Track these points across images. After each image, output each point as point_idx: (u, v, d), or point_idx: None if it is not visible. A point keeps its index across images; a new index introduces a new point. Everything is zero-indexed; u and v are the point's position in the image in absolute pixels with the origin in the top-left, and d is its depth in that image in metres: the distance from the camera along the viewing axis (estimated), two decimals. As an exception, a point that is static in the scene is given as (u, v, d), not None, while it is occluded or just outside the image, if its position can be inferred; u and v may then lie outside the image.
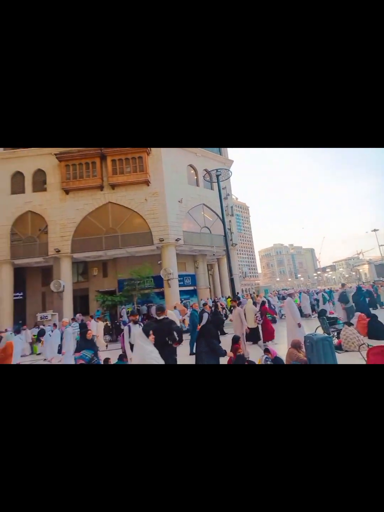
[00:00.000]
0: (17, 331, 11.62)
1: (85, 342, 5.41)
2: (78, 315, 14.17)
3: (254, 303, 9.40)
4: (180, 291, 15.19)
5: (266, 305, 9.02)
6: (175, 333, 3.77)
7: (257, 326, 7.99)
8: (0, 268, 14.41)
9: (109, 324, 15.14)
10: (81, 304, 16.50)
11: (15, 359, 9.65)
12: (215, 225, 16.75)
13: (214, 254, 16.58)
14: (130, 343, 5.41)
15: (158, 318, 4.05)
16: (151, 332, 3.27)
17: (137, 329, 4.56)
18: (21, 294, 16.37)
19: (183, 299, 15.88)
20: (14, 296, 15.03)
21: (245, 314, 7.05)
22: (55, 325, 11.13)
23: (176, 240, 14.61)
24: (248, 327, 6.67)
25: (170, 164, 15.39)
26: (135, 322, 5.66)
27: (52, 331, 10.02)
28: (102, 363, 5.04)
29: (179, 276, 15.55)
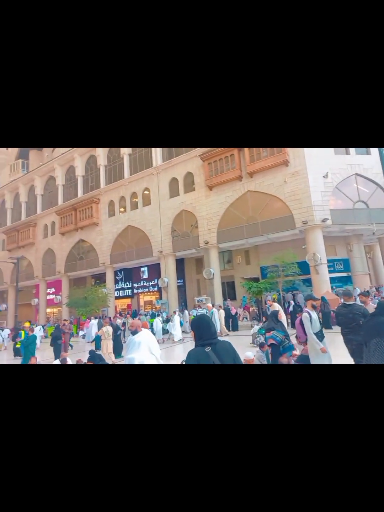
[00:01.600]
0: (181, 311, 14.10)
1: (275, 323, 5.13)
2: (227, 301, 15.47)
3: None
4: (330, 278, 13.54)
5: None
6: (360, 320, 3.85)
7: None
8: (167, 259, 17.77)
9: (255, 310, 15.69)
10: (228, 290, 17.87)
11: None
12: (375, 197, 13.64)
13: (373, 233, 13.56)
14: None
15: (346, 303, 4.34)
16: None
17: (314, 315, 4.37)
18: (181, 281, 19.58)
19: (334, 287, 14.05)
20: (177, 283, 18.23)
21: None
22: (212, 305, 12.59)
23: (322, 221, 13.05)
24: None
25: (312, 137, 13.81)
26: (314, 308, 5.14)
27: (207, 312, 11.49)
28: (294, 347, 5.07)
29: (329, 261, 13.85)
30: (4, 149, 40.43)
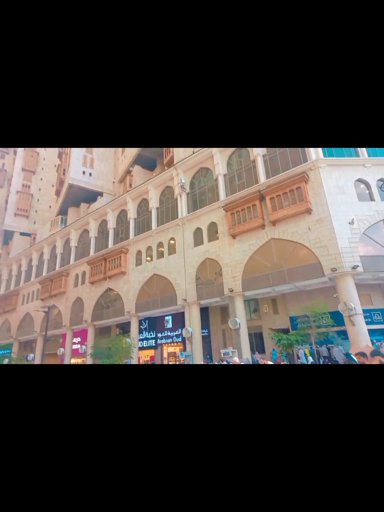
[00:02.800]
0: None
1: None
2: (256, 354, 14.45)
3: None
4: (369, 330, 12.33)
5: None
6: None
7: None
8: (191, 308, 17.50)
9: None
10: (256, 341, 16.79)
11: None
12: (410, 242, 12.95)
13: (415, 281, 12.57)
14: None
15: None
16: None
17: None
18: (206, 331, 18.88)
19: (374, 340, 12.69)
20: (202, 332, 17.59)
21: None
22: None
23: (353, 268, 12.43)
24: None
25: (334, 185, 13.99)
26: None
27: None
28: None
29: (365, 311, 12.78)
30: (48, 207, 45.16)
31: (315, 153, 14.40)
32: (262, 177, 16.11)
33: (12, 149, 52.84)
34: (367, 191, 14.27)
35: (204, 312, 18.63)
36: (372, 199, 13.94)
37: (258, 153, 16.39)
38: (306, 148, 14.70)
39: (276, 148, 16.13)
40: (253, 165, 16.85)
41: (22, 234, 42.62)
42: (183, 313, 18.37)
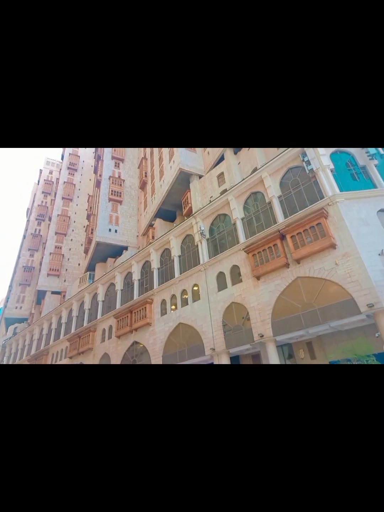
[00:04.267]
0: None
1: None
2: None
3: None
4: None
5: None
6: None
7: None
8: (221, 358, 16.46)
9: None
10: (296, 393, 15.06)
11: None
12: None
13: None
14: None
15: None
16: None
17: None
18: (240, 382, 17.38)
19: None
20: (234, 384, 16.18)
21: None
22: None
23: (393, 301, 11.36)
24: None
25: (355, 218, 13.68)
26: None
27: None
28: None
29: (417, 350, 11.28)
30: (77, 265, 47.74)
31: (330, 188, 14.48)
32: (279, 217, 16.21)
33: (47, 215, 58.56)
34: (393, 220, 13.73)
35: (235, 361, 17.40)
36: (399, 227, 13.32)
37: (273, 195, 16.77)
38: (321, 185, 14.87)
39: (291, 188, 16.47)
40: (269, 207, 17.13)
41: (53, 292, 44.63)
42: (212, 364, 17.25)
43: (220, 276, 18.28)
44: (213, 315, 17.52)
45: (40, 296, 45.83)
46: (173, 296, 20.81)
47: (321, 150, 15.37)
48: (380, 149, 15.39)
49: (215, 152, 26.51)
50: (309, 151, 15.64)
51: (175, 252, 21.86)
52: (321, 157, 15.20)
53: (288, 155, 16.63)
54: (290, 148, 16.53)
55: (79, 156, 58.55)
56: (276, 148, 21.08)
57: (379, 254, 12.45)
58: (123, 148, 43.04)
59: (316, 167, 15.17)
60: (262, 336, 14.79)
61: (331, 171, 15.08)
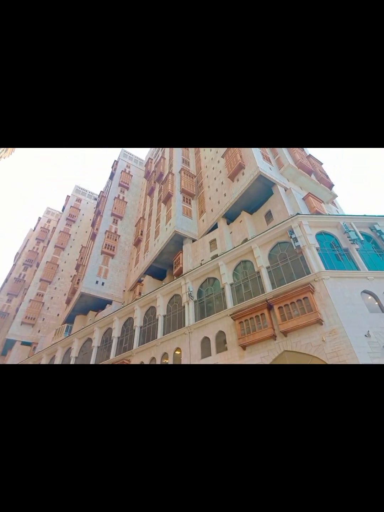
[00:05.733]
0: None
1: None
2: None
3: None
4: None
5: None
6: None
7: None
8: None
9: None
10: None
11: None
12: None
13: None
14: None
15: None
16: None
17: None
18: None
19: None
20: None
21: None
22: None
23: (382, 386, 10.95)
24: None
25: (340, 296, 14.09)
26: None
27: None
28: None
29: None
30: (56, 315, 45.44)
31: (316, 265, 15.22)
32: (268, 287, 16.53)
33: (35, 261, 57.90)
34: (376, 303, 14.18)
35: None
36: (383, 311, 13.69)
37: (262, 265, 17.41)
38: (308, 261, 15.65)
39: (279, 261, 17.24)
40: (258, 276, 17.61)
41: (23, 343, 41.24)
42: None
43: (205, 341, 17.59)
44: (194, 384, 16.25)
45: (7, 346, 42.14)
46: (153, 359, 19.52)
47: (308, 230, 16.64)
48: (360, 234, 16.79)
49: (210, 219, 28.30)
50: (296, 228, 16.90)
51: (161, 311, 21.35)
52: (308, 236, 16.37)
53: (277, 231, 17.87)
54: (278, 225, 17.87)
55: (79, 210, 61.12)
56: (265, 224, 22.76)
57: (366, 335, 12.47)
58: (123, 207, 45.52)
59: (303, 244, 16.20)
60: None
61: (317, 249, 16.08)
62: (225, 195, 27.35)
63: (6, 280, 56.16)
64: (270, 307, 15.52)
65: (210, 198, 30.31)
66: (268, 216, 23.21)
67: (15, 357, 38.62)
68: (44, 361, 28.31)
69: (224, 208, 26.50)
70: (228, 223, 26.44)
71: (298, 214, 17.77)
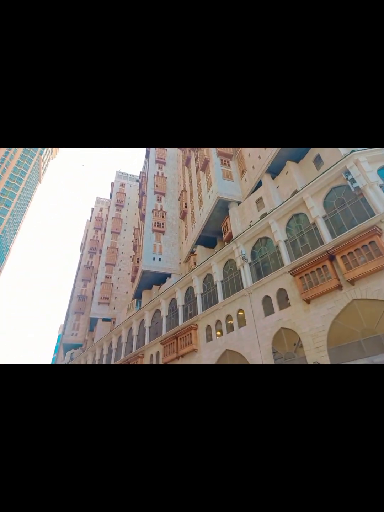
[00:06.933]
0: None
1: None
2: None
3: None
4: None
5: None
6: None
7: None
8: (272, 387, 15.53)
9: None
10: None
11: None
12: None
13: None
14: None
15: None
16: None
17: None
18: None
19: None
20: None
21: None
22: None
23: None
24: None
25: (413, 233, 12.62)
26: None
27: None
28: None
29: None
30: (125, 293, 50.15)
31: (381, 204, 13.71)
32: (326, 237, 15.60)
33: (98, 248, 63.41)
34: None
35: (288, 392, 16.21)
36: None
37: (317, 216, 16.33)
38: (370, 202, 14.17)
39: (336, 207, 15.93)
40: (314, 227, 16.65)
41: (104, 320, 47.04)
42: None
43: (266, 300, 17.78)
44: (262, 341, 16.86)
45: (92, 323, 48.56)
46: (218, 322, 20.59)
47: (367, 167, 14.83)
48: None
49: (253, 178, 26.97)
50: (352, 168, 15.19)
51: (217, 277, 21.95)
52: (367, 174, 14.63)
53: (330, 175, 16.31)
54: (331, 169, 16.25)
55: (125, 194, 63.73)
56: (315, 170, 20.82)
57: None
58: (164, 183, 45.99)
59: (363, 184, 14.59)
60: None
61: (381, 186, 14.36)
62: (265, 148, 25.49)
63: (78, 269, 63.24)
64: (331, 258, 14.75)
65: (249, 155, 28.61)
66: (317, 160, 21.12)
67: (101, 331, 44.46)
68: (124, 333, 32.08)
69: (266, 162, 24.87)
70: (273, 178, 24.90)
71: (352, 150, 15.80)
